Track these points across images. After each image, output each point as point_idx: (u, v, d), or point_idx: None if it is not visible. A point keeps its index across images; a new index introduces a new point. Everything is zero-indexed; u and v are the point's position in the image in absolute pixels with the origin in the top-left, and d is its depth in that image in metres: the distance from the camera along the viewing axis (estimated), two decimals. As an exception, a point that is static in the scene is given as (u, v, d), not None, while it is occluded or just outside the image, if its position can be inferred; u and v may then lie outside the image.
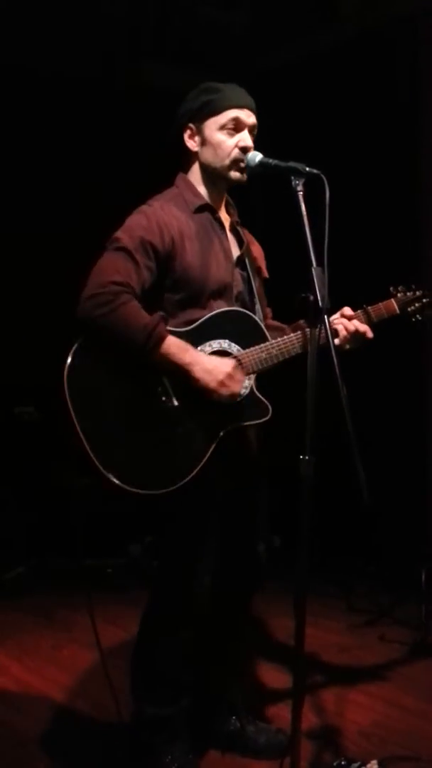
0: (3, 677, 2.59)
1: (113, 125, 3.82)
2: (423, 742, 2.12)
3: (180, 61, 3.84)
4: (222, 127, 1.84)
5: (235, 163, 1.85)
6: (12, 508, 3.55)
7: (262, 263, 2.05)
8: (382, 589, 3.26)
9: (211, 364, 1.74)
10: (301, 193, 1.65)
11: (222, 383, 1.73)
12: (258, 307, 1.93)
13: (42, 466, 3.55)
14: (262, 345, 1.84)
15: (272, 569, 2.09)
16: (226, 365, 1.75)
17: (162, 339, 1.72)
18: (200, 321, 1.81)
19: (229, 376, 1.73)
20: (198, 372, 1.72)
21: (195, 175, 1.93)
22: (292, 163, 1.69)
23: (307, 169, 1.66)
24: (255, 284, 1.95)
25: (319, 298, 1.58)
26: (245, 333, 1.84)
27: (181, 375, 1.73)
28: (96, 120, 3.79)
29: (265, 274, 2.05)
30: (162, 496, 1.71)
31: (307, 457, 1.57)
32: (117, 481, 1.67)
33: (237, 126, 1.85)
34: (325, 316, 1.58)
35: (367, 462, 1.55)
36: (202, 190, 1.92)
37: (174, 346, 1.73)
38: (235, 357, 1.82)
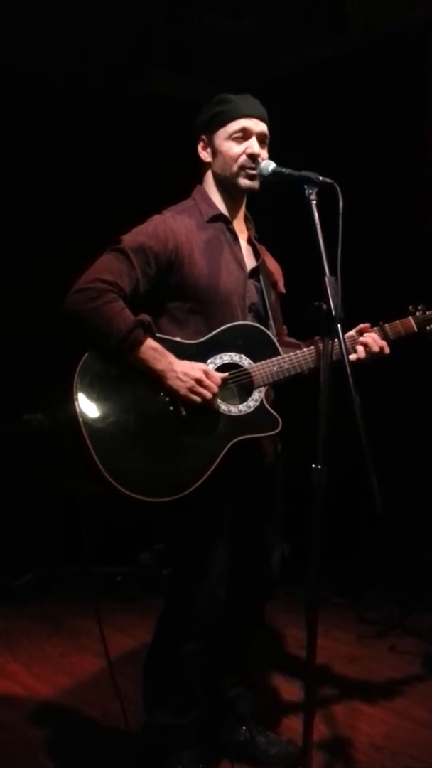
0: (11, 684, 2.58)
1: (121, 134, 3.84)
2: (435, 755, 2.10)
3: (188, 70, 3.86)
4: (230, 136, 1.87)
5: (242, 169, 1.86)
6: (21, 514, 3.55)
7: (279, 279, 2.06)
8: (393, 599, 3.23)
9: (182, 370, 1.72)
10: (315, 202, 1.65)
11: (191, 389, 1.71)
12: (271, 320, 1.93)
13: (51, 473, 3.55)
14: (274, 359, 1.84)
15: (281, 578, 2.08)
16: (195, 372, 1.72)
17: (138, 343, 1.71)
18: (212, 334, 1.82)
19: (199, 381, 1.72)
20: (170, 379, 1.72)
21: (209, 185, 1.95)
22: (305, 172, 1.70)
23: (320, 178, 1.67)
24: (270, 298, 1.95)
25: (332, 306, 1.58)
26: (257, 347, 1.84)
27: (159, 381, 1.73)
28: (103, 128, 3.81)
29: (282, 289, 2.06)
30: (169, 504, 1.71)
31: (319, 466, 1.57)
32: (123, 489, 1.67)
33: (245, 134, 1.87)
34: (339, 325, 1.58)
35: (378, 471, 1.54)
36: (217, 199, 1.93)
37: (150, 351, 1.73)
38: (245, 370, 1.82)
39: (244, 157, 1.86)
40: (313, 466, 1.57)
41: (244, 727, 2.09)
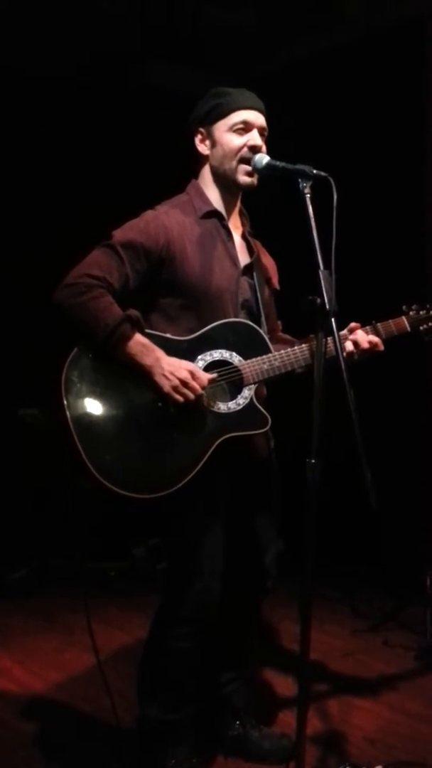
0: (5, 680, 2.58)
1: (118, 126, 3.82)
2: (428, 748, 2.11)
3: (185, 61, 3.84)
4: (231, 129, 1.85)
5: (243, 162, 1.84)
6: (15, 509, 3.54)
7: (273, 275, 2.04)
8: (387, 593, 3.24)
9: (168, 369, 1.72)
10: (309, 195, 1.64)
11: (175, 389, 1.71)
12: (263, 317, 1.92)
13: (46, 468, 3.54)
14: (264, 356, 1.83)
15: (276, 573, 2.07)
16: (181, 372, 1.72)
17: (125, 338, 1.71)
18: (203, 330, 1.81)
19: (184, 382, 1.71)
20: (156, 376, 1.72)
21: (206, 179, 1.93)
22: (299, 166, 1.68)
23: (315, 171, 1.66)
24: (263, 294, 1.94)
25: (326, 300, 1.57)
26: (248, 344, 1.83)
27: (146, 377, 1.73)
28: (100, 121, 3.79)
29: (276, 286, 2.04)
30: (156, 501, 1.71)
31: (313, 461, 1.56)
32: (111, 486, 1.66)
33: (246, 127, 1.85)
34: (333, 320, 1.57)
35: (372, 466, 1.54)
36: (212, 195, 1.92)
37: (138, 346, 1.72)
38: (235, 368, 1.81)
39: (245, 150, 1.84)
40: (307, 460, 1.56)
41: (237, 722, 2.09)
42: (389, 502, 1.98)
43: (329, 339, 1.62)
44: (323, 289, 1.58)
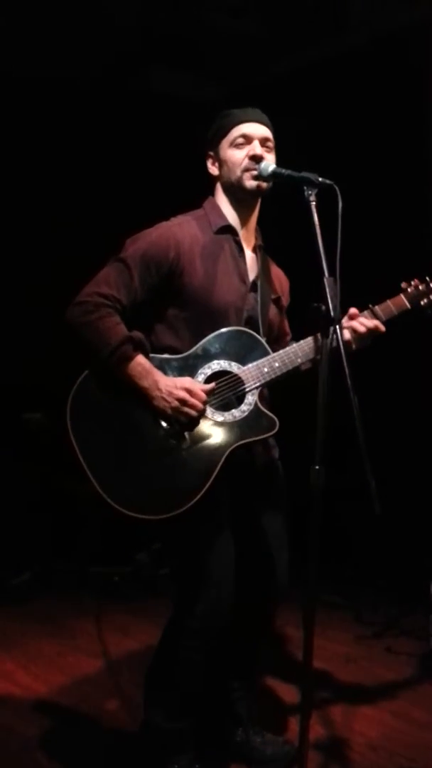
0: (8, 683, 2.58)
1: (120, 130, 3.84)
2: (430, 754, 2.10)
3: (189, 67, 3.86)
4: (232, 144, 1.88)
5: (246, 172, 1.86)
6: (18, 514, 3.55)
7: (283, 290, 2.05)
8: (390, 600, 3.24)
9: (166, 390, 1.73)
10: (314, 203, 1.65)
11: (176, 410, 1.72)
12: (263, 331, 1.91)
13: (49, 473, 3.55)
14: (264, 359, 1.83)
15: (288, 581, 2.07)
16: (179, 392, 1.72)
17: (126, 359, 1.73)
18: (199, 344, 1.82)
19: (183, 401, 1.72)
20: (156, 399, 1.73)
21: (220, 197, 1.95)
22: (304, 174, 1.69)
23: (320, 179, 1.67)
24: (266, 309, 1.94)
25: (331, 308, 1.58)
26: (245, 350, 1.84)
27: (145, 400, 1.74)
28: (103, 125, 3.82)
29: (284, 302, 2.05)
30: (171, 519, 1.71)
31: (317, 467, 1.57)
32: (128, 512, 1.68)
33: (246, 140, 1.87)
34: (337, 327, 1.58)
35: (376, 472, 1.55)
36: (227, 211, 1.93)
37: (138, 367, 1.74)
38: (236, 375, 1.81)
39: (246, 161, 1.86)
40: (311, 467, 1.56)
41: (240, 728, 2.09)
42: (394, 508, 1.98)
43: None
44: (328, 296, 1.59)
